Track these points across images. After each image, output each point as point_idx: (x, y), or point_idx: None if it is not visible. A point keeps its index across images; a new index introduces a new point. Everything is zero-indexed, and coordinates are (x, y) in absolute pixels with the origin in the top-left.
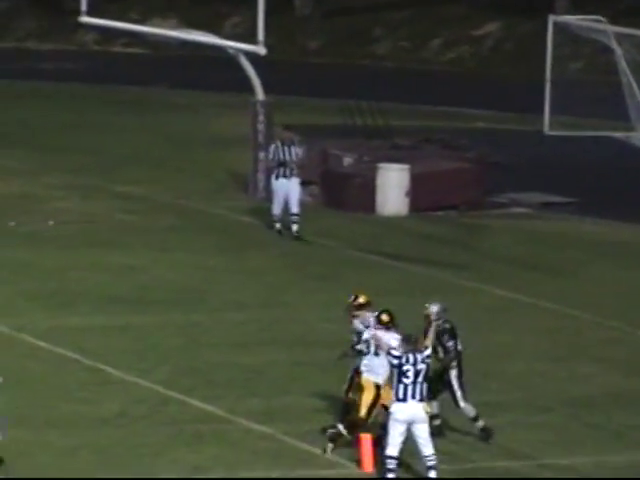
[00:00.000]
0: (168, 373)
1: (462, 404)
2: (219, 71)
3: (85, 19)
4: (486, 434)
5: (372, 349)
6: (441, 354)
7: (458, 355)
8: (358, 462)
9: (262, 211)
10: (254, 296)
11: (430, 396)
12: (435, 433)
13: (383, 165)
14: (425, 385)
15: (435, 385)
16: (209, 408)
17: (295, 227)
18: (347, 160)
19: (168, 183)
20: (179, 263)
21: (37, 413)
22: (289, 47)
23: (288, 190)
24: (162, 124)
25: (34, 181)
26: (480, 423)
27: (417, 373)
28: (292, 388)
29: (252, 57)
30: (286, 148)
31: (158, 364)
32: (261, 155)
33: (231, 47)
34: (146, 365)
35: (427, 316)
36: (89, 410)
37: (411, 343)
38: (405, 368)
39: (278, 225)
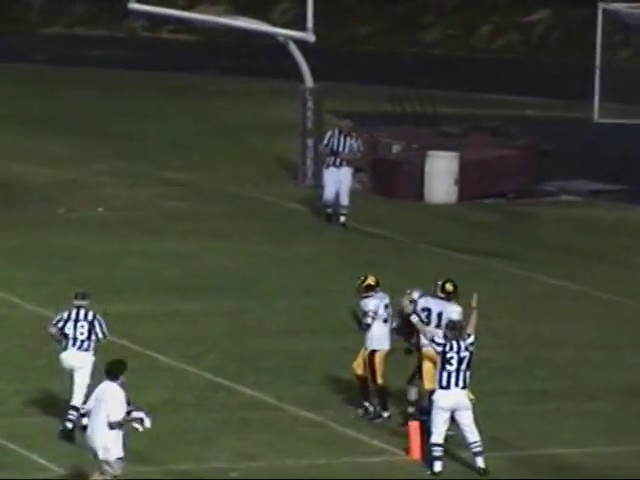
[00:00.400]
0: (217, 360)
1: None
2: (267, 58)
3: (134, 6)
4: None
5: (380, 319)
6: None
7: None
8: (406, 449)
9: (310, 198)
10: (302, 283)
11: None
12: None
13: (432, 153)
14: (469, 373)
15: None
16: (257, 395)
17: (342, 218)
18: (396, 147)
19: (217, 170)
20: (228, 250)
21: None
22: (338, 34)
23: (339, 180)
24: (211, 111)
25: (83, 168)
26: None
27: (460, 360)
28: (340, 375)
29: (301, 44)
30: (342, 138)
31: (207, 351)
32: (309, 142)
33: (280, 34)
34: (195, 352)
35: (412, 301)
36: (138, 397)
37: (456, 330)
38: (449, 355)
39: (329, 210)
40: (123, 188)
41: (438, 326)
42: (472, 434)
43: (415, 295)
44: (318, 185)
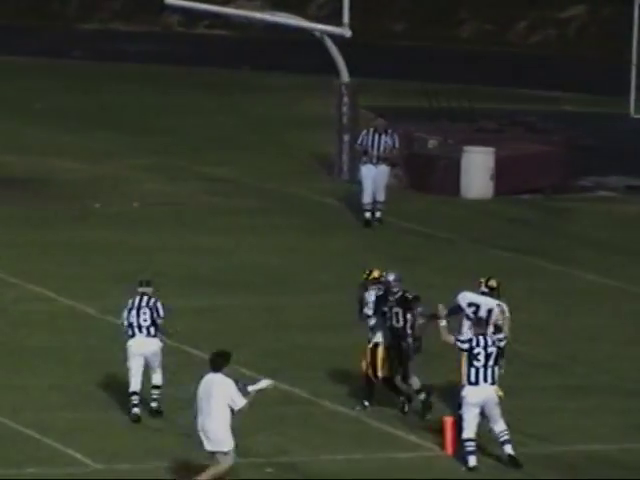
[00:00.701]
0: (252, 355)
1: (412, 377)
2: (303, 53)
3: (170, 1)
4: (425, 408)
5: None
6: (396, 322)
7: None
8: (440, 444)
9: (346, 193)
10: (338, 278)
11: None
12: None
13: (468, 148)
14: (497, 368)
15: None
16: (293, 390)
17: (378, 214)
18: (432, 143)
19: (253, 165)
20: (264, 245)
21: (121, 395)
22: (374, 29)
23: (375, 177)
24: (247, 106)
25: (120, 163)
26: (422, 396)
27: (488, 356)
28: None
29: (337, 39)
30: (376, 136)
31: (242, 346)
32: (345, 137)
33: (316, 29)
34: (230, 347)
35: (382, 281)
36: (173, 391)
37: (482, 326)
38: (476, 351)
39: (367, 214)
40: (160, 183)
41: (487, 322)
42: (499, 424)
43: (390, 277)
44: (355, 182)
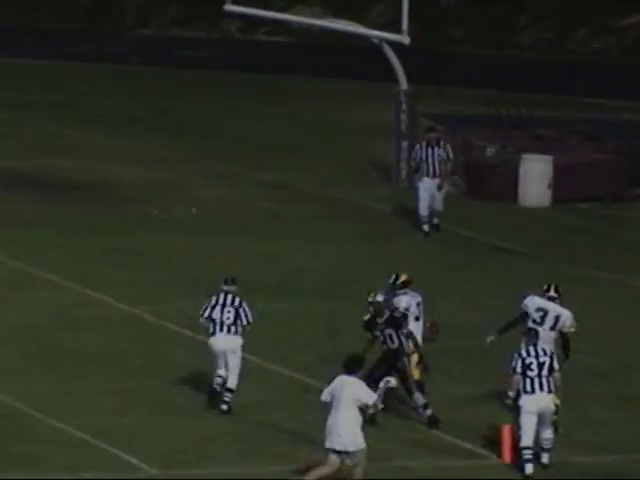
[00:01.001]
0: (309, 361)
1: (415, 393)
2: (361, 59)
3: (229, 7)
4: (432, 422)
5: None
6: (391, 343)
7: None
8: (497, 453)
9: (403, 200)
10: None
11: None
12: (430, 422)
13: (526, 156)
14: (551, 377)
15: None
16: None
17: (436, 220)
18: (490, 150)
19: (310, 171)
20: (320, 251)
21: (177, 400)
22: (432, 36)
23: (431, 190)
24: (304, 112)
25: (177, 169)
26: (427, 412)
27: (541, 365)
28: (433, 377)
29: (396, 46)
30: (429, 150)
31: (299, 352)
32: (403, 144)
33: (375, 36)
34: (287, 353)
35: (373, 302)
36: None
37: (532, 336)
38: (528, 361)
39: (425, 227)
40: (218, 189)
41: (553, 328)
42: (547, 431)
43: (379, 298)
44: (412, 189)
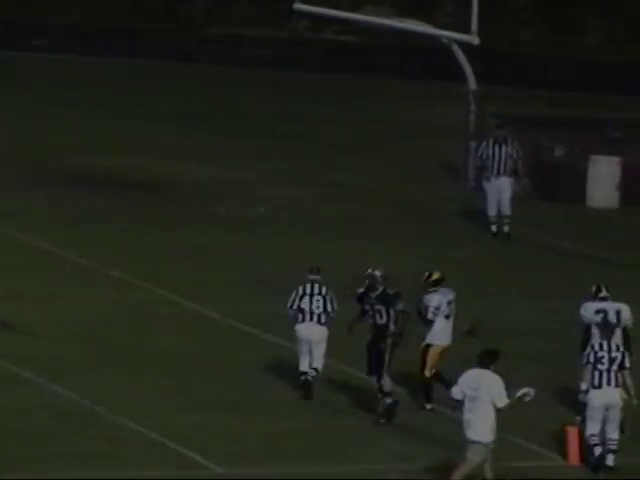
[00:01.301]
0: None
1: (384, 377)
2: (431, 60)
3: (299, 6)
4: (388, 414)
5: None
6: (379, 319)
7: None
8: (564, 454)
9: (471, 201)
10: (462, 286)
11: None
12: (387, 411)
13: (594, 157)
14: (620, 374)
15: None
16: (418, 397)
17: (506, 228)
18: (558, 151)
19: (379, 172)
20: (387, 252)
21: (243, 398)
22: (502, 36)
23: (499, 189)
24: (372, 112)
25: (246, 167)
26: (388, 400)
27: (612, 360)
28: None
29: (465, 46)
30: (497, 147)
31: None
32: (472, 145)
33: (444, 36)
34: (354, 353)
35: (371, 276)
36: (296, 396)
37: (608, 330)
38: (599, 355)
39: (494, 227)
40: (286, 188)
41: (618, 324)
42: (614, 432)
43: (377, 273)
44: (480, 192)
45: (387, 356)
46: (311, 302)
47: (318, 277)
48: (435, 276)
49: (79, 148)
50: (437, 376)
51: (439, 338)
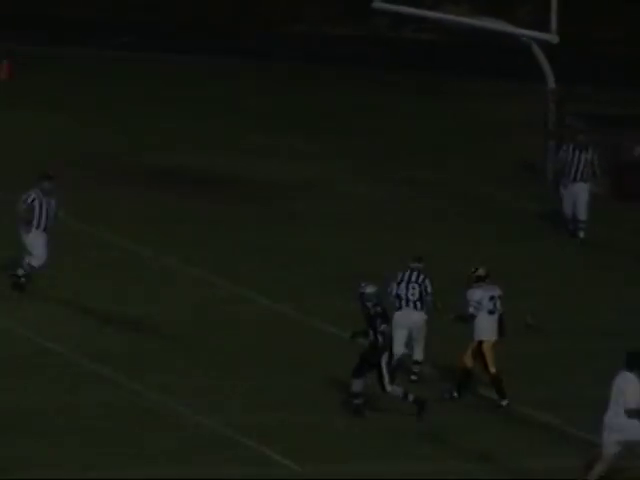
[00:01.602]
0: (450, 356)
1: (389, 388)
2: (510, 58)
3: (378, 4)
4: (419, 407)
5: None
6: (372, 337)
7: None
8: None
9: (549, 199)
10: (542, 284)
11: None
12: (354, 412)
13: None
14: None
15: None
16: (492, 396)
17: (582, 234)
18: (638, 150)
19: (454, 169)
20: (461, 251)
21: (322, 397)
22: (582, 36)
23: (575, 194)
24: (451, 110)
25: (324, 165)
26: (411, 396)
27: None
28: (578, 378)
29: (544, 45)
30: (577, 152)
31: (448, 353)
32: (550, 144)
33: (524, 35)
34: (427, 352)
35: (363, 294)
36: (377, 393)
37: None
38: None
39: (571, 226)
40: (365, 186)
41: None
42: None
43: (369, 290)
44: (557, 194)
45: (383, 368)
46: (407, 289)
47: (419, 265)
48: (479, 272)
49: (161, 147)
50: (468, 373)
51: (487, 333)
